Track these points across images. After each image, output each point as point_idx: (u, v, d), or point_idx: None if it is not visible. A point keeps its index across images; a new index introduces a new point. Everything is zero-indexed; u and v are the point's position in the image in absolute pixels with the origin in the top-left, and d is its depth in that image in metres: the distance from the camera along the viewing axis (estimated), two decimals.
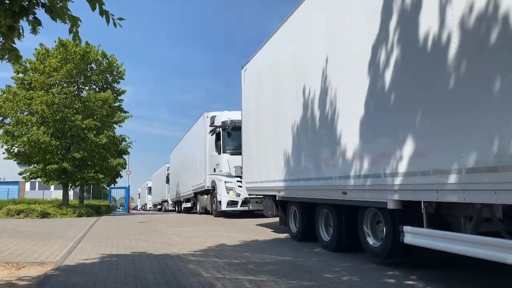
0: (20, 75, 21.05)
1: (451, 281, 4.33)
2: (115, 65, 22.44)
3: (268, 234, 9.22)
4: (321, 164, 6.37)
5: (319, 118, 6.46)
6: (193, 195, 20.20)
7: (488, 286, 4.26)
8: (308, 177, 6.84)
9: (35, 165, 20.56)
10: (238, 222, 12.72)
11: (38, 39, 30.96)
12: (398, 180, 4.46)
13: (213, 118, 15.71)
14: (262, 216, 14.54)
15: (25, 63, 20.55)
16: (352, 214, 5.88)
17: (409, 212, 4.51)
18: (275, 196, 8.61)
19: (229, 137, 14.62)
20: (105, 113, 20.38)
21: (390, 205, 4.63)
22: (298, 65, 7.45)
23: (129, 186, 33.47)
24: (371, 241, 5.46)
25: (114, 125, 22.74)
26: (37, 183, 36.37)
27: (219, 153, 15.02)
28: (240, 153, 13.75)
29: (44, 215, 16.49)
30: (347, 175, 5.51)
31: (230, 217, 14.85)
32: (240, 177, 13.53)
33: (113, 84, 22.88)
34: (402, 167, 4.39)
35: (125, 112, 23.79)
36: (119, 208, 42.48)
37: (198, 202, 19.24)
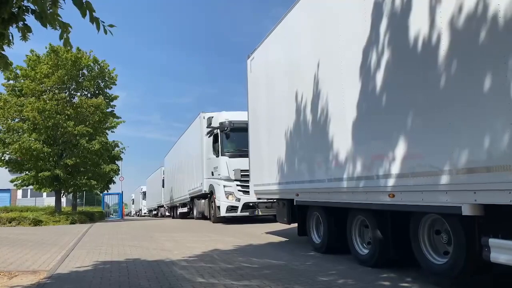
0: (11, 81, 20.91)
1: (445, 283, 4.34)
2: (107, 70, 22.37)
3: (263, 239, 9.20)
4: (357, 162, 5.21)
5: (358, 103, 5.20)
6: (189, 199, 19.51)
7: (481, 286, 4.28)
8: (338, 177, 5.66)
9: (27, 172, 20.39)
10: (238, 228, 12.55)
11: (29, 45, 30.74)
12: (481, 178, 3.38)
13: (210, 119, 14.90)
14: (264, 221, 14.27)
15: (16, 70, 20.40)
16: (400, 222, 4.76)
17: (491, 219, 3.51)
18: (291, 200, 7.46)
19: (227, 138, 13.96)
20: (97, 119, 20.28)
21: (466, 211, 3.55)
22: (319, 46, 6.34)
23: (122, 192, 33.30)
24: (430, 256, 4.29)
25: (107, 131, 22.65)
26: (29, 190, 36.08)
27: (217, 156, 14.31)
28: (239, 156, 13.21)
29: (37, 222, 16.32)
30: (398, 174, 4.41)
31: (230, 222, 14.22)
32: (240, 180, 13.21)
33: (105, 90, 22.80)
34: (488, 161, 3.31)
35: (118, 117, 23.74)
36: (112, 215, 42.14)
37: (195, 207, 18.49)
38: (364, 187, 5.07)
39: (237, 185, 13.48)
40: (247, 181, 12.59)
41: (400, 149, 4.37)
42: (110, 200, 39.99)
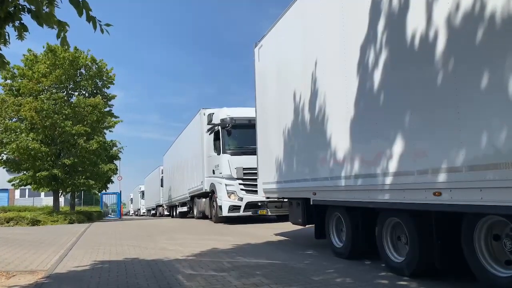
0: (8, 81, 20.84)
1: (444, 282, 4.35)
2: (104, 70, 22.33)
3: (261, 238, 9.20)
4: (392, 155, 4.42)
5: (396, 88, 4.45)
6: (189, 198, 19.00)
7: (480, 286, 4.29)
8: (367, 172, 4.89)
9: (24, 172, 20.37)
10: (240, 229, 12.17)
11: (26, 44, 30.72)
12: None
13: (210, 115, 14.33)
14: (267, 221, 13.77)
15: (13, 69, 20.35)
16: (446, 226, 4.06)
17: None
18: (306, 199, 6.75)
19: (229, 136, 13.44)
20: (95, 119, 20.27)
21: None
22: (345, 26, 5.47)
23: (120, 191, 33.26)
24: (490, 266, 3.57)
25: (105, 130, 22.63)
26: (27, 190, 36.05)
27: (219, 154, 13.77)
28: (242, 153, 13.04)
29: (35, 222, 16.29)
30: (448, 168, 3.65)
31: (232, 222, 13.59)
32: (243, 179, 12.91)
33: (103, 89, 22.76)
34: None
35: (116, 117, 23.71)
36: (111, 214, 42.13)
37: (195, 206, 18.02)
38: (401, 184, 4.30)
39: (240, 183, 13.08)
40: (250, 179, 12.37)
41: (454, 137, 3.59)
42: (108, 199, 40.03)
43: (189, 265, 5.72)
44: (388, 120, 4.57)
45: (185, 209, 21.05)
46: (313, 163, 6.38)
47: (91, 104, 19.94)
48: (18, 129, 19.19)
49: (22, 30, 3.49)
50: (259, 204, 12.86)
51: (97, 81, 22.37)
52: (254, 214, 13.09)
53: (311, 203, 6.50)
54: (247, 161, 12.51)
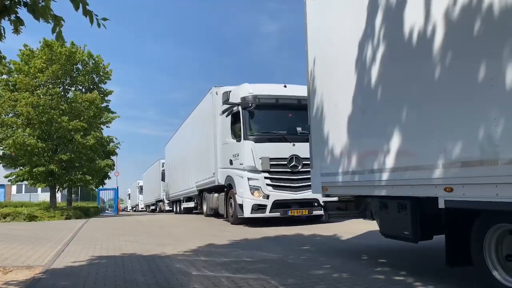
0: (4, 76, 20.71)
1: (440, 276, 4.38)
2: (101, 65, 22.21)
3: (259, 233, 9.22)
4: None
5: None
6: (197, 193, 16.67)
7: (476, 279, 4.32)
8: None
9: (21, 167, 20.26)
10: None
11: (22, 39, 30.50)
12: None
13: (227, 93, 11.79)
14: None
15: (9, 64, 20.22)
16: None
17: None
18: (423, 200, 4.23)
19: (251, 118, 11.03)
20: (92, 114, 20.16)
21: None
22: None
23: (117, 187, 33.24)
24: None
25: (102, 126, 22.52)
26: (23, 186, 35.90)
27: (238, 140, 11.27)
28: (268, 140, 10.87)
29: (32, 218, 16.25)
30: None
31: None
32: (269, 172, 10.66)
33: (99, 85, 22.63)
34: None
35: (113, 112, 23.58)
36: (108, 210, 42.14)
37: (205, 202, 15.68)
38: None
39: (266, 177, 10.68)
40: (279, 172, 10.68)
41: None
42: (106, 195, 40.03)
43: (185, 259, 5.73)
44: None
45: (191, 204, 19.16)
46: (445, 138, 3.77)
47: (88, 99, 19.85)
48: (15, 125, 19.09)
49: (18, 24, 3.47)
50: (291, 202, 10.69)
51: (94, 76, 22.23)
52: (284, 215, 10.72)
53: (441, 205, 3.81)
54: (274, 149, 10.75)
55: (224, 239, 8.07)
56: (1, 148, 19.46)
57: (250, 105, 10.95)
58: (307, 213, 10.73)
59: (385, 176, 4.68)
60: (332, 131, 6.01)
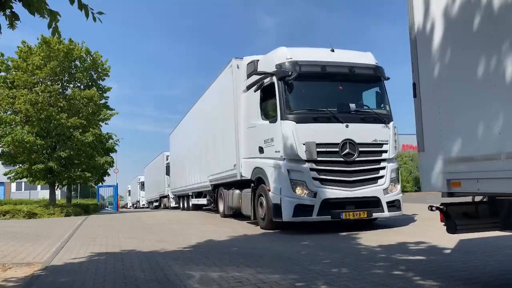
0: (2, 73, 20.64)
1: (439, 271, 4.38)
2: (99, 62, 22.15)
3: (258, 229, 9.22)
4: None
5: None
6: (210, 188, 13.93)
7: (480, 274, 4.32)
8: None
9: (20, 165, 20.26)
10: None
11: (20, 36, 30.39)
12: None
13: (254, 63, 9.63)
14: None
15: (7, 61, 20.15)
16: None
17: None
18: None
19: (290, 92, 8.47)
20: (90, 111, 20.13)
21: None
22: None
23: (117, 184, 33.23)
24: None
25: (100, 122, 22.49)
26: (23, 183, 35.85)
27: (273, 121, 8.69)
28: (314, 120, 8.34)
29: (31, 215, 16.24)
30: None
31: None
32: (316, 162, 8.12)
33: (98, 81, 22.59)
34: None
35: (111, 109, 23.56)
36: (107, 207, 42.13)
37: (221, 200, 12.93)
38: None
39: (312, 169, 8.11)
40: (328, 162, 8.20)
41: None
42: (105, 192, 40.03)
43: (184, 256, 5.73)
44: None
45: (202, 201, 16.54)
46: None
47: (86, 96, 19.80)
48: (13, 122, 19.05)
49: (13, 18, 3.44)
50: (345, 202, 8.14)
51: (92, 73, 22.18)
52: (336, 219, 8.04)
53: None
54: (322, 132, 8.29)
55: (223, 234, 8.01)
56: (0, 145, 19.42)
57: (289, 73, 8.42)
58: (365, 215, 8.08)
59: None
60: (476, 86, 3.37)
